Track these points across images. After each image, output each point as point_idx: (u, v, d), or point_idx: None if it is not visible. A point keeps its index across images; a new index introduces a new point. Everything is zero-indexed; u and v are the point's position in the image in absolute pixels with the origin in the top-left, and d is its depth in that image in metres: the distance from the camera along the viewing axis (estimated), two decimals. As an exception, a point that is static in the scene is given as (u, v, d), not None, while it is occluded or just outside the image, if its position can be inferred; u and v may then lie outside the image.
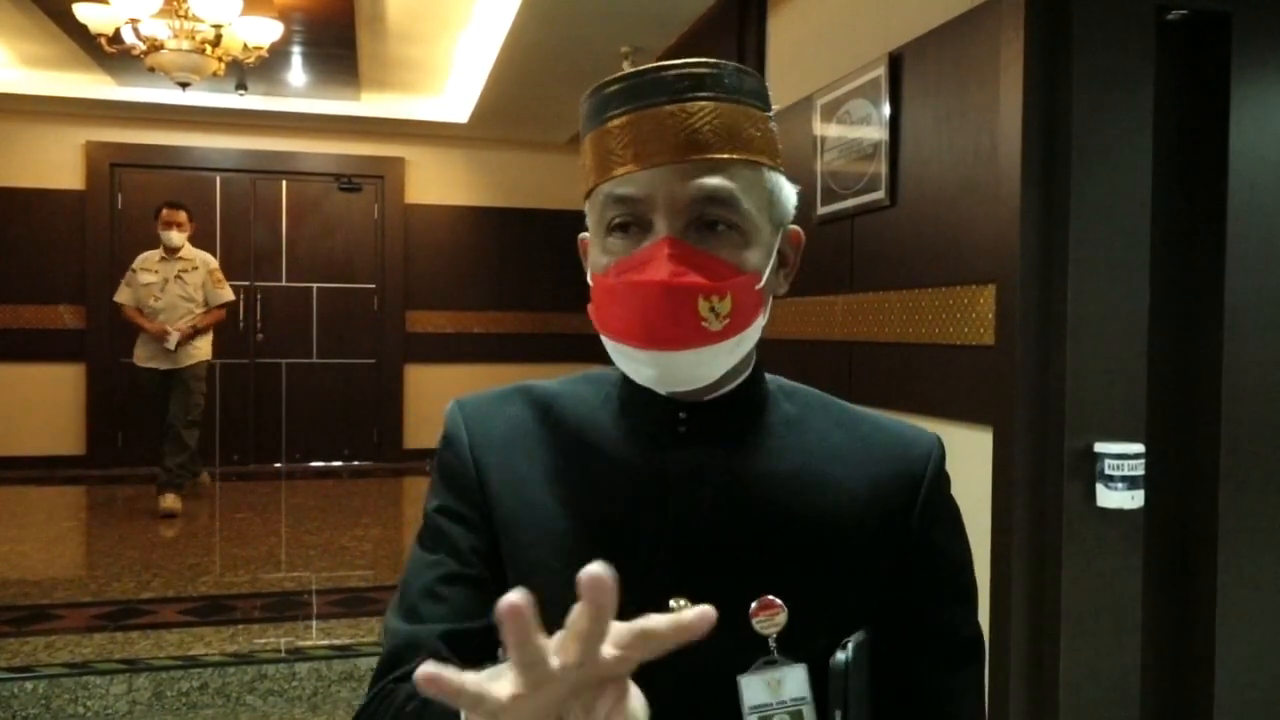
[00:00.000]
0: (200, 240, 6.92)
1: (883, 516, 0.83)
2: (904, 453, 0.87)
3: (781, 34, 3.66)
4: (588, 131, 0.80)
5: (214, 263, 5.44)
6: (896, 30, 2.80)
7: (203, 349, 5.37)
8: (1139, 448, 2.14)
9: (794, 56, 3.54)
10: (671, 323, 0.74)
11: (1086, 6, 2.15)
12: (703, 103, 0.76)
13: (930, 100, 2.63)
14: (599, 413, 0.87)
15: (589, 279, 0.83)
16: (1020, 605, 2.24)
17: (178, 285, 5.25)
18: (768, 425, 0.85)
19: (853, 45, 3.07)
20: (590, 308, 0.81)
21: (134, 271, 5.30)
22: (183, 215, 5.26)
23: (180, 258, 5.29)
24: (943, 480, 0.88)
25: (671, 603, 0.78)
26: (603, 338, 0.80)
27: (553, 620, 0.80)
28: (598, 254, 0.80)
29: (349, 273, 6.87)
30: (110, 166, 6.44)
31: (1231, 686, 2.35)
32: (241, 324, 6.67)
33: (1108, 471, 2.12)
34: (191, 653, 2.97)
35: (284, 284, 6.77)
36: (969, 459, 2.45)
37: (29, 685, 2.76)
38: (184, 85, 4.21)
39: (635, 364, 0.78)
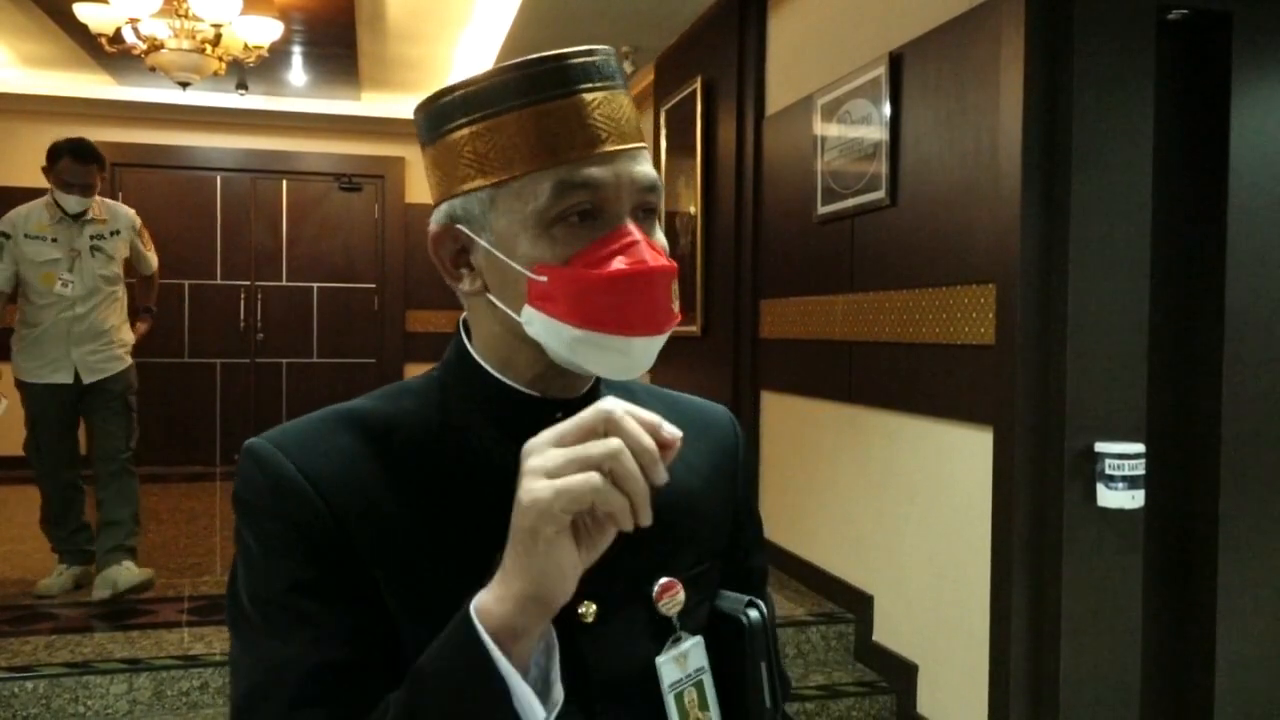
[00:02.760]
0: (201, 240, 6.98)
1: (720, 484, 0.92)
2: (716, 424, 0.96)
3: (781, 34, 3.66)
4: (492, 115, 0.74)
5: (137, 218, 3.76)
6: (897, 30, 2.80)
7: (129, 342, 3.70)
8: (1139, 448, 2.14)
9: (794, 56, 3.54)
10: (661, 307, 0.75)
11: (1087, 6, 2.15)
12: (619, 92, 0.77)
13: (930, 100, 2.63)
14: (447, 426, 0.81)
15: (469, 275, 0.79)
16: (1020, 605, 2.24)
17: (96, 260, 3.53)
18: None
19: (853, 45, 3.07)
20: (540, 304, 0.74)
21: (8, 239, 3.45)
22: (95, 170, 3.51)
23: (91, 219, 3.54)
24: (744, 441, 0.98)
25: (579, 609, 0.78)
26: (563, 331, 0.74)
27: None
28: (539, 246, 0.74)
29: (349, 272, 6.87)
30: (111, 166, 6.41)
31: (1231, 686, 2.35)
32: (242, 324, 6.67)
33: (1108, 471, 2.12)
34: (192, 652, 2.96)
35: (284, 284, 6.76)
36: (969, 459, 2.45)
37: (29, 685, 2.76)
38: (184, 85, 4.20)
39: (604, 354, 0.74)
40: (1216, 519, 2.34)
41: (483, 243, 0.77)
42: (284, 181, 6.75)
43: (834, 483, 3.20)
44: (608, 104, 0.75)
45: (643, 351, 0.75)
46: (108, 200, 3.69)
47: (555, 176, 0.73)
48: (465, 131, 0.76)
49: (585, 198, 0.73)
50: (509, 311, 0.77)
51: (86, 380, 3.52)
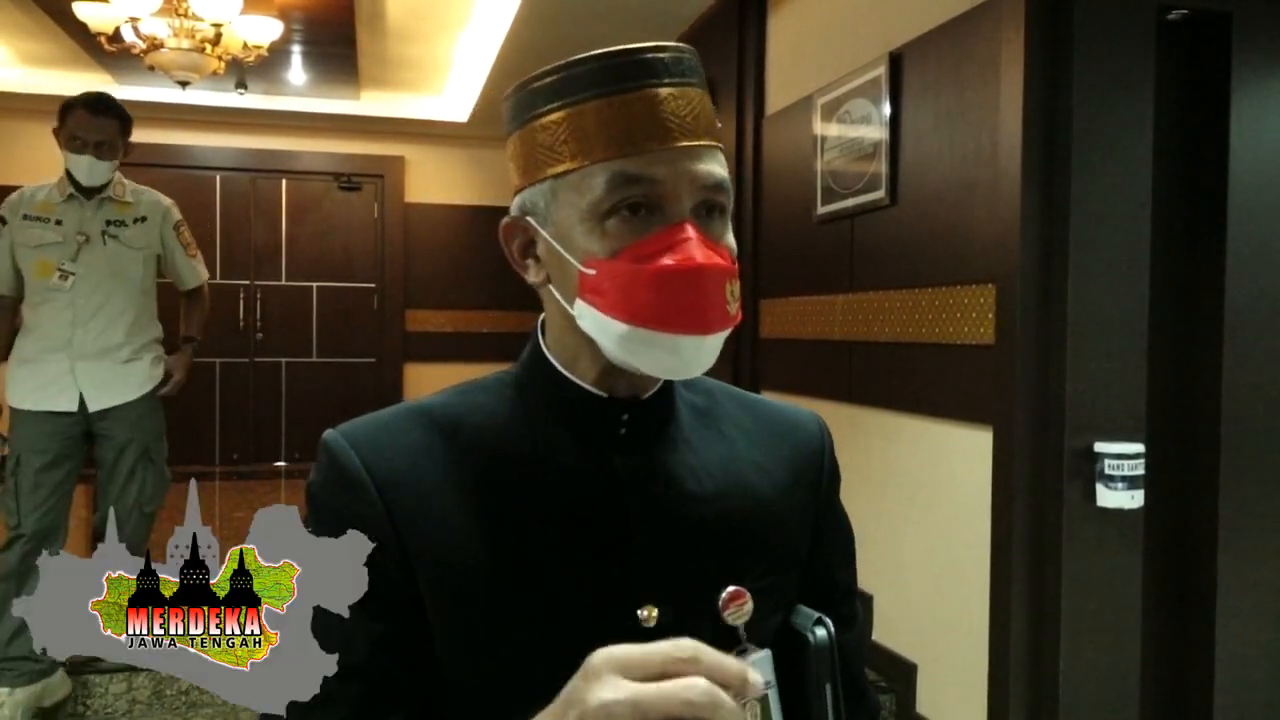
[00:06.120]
0: (200, 240, 6.84)
1: (801, 493, 0.88)
2: (802, 430, 0.91)
3: (781, 33, 3.66)
4: (562, 107, 0.74)
5: (176, 210, 3.00)
6: (897, 30, 2.80)
7: (156, 369, 2.92)
8: (1139, 447, 2.14)
9: (794, 56, 3.54)
10: (712, 306, 0.73)
11: (1087, 6, 2.15)
12: (691, 89, 0.75)
13: (930, 100, 2.62)
14: (515, 423, 0.80)
15: (534, 266, 0.80)
16: (1020, 605, 2.24)
17: (110, 249, 2.80)
18: (683, 417, 0.85)
19: (853, 45, 3.07)
20: (590, 297, 0.74)
21: (3, 224, 2.80)
22: (112, 126, 2.77)
23: (111, 199, 2.83)
24: (834, 450, 0.93)
25: (640, 612, 0.76)
26: (611, 326, 0.73)
27: (504, 660, 0.75)
28: (591, 239, 0.74)
29: (349, 272, 6.86)
30: (110, 165, 6.44)
31: (1231, 686, 2.35)
32: (241, 323, 6.66)
33: (1108, 471, 2.12)
34: (191, 652, 2.96)
35: (284, 283, 6.76)
36: (969, 459, 2.45)
37: (28, 684, 2.76)
38: (184, 84, 4.20)
39: (653, 352, 0.73)
40: (1216, 519, 2.34)
41: (545, 234, 0.77)
42: (283, 181, 6.75)
43: (833, 482, 3.20)
44: (675, 100, 0.74)
45: (693, 351, 0.74)
46: (139, 185, 2.97)
47: (610, 170, 0.72)
48: (539, 122, 0.76)
49: (638, 191, 0.72)
50: (565, 304, 0.77)
51: (94, 407, 2.77)
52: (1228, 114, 2.32)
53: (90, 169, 2.75)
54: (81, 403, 2.77)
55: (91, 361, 2.78)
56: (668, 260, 0.71)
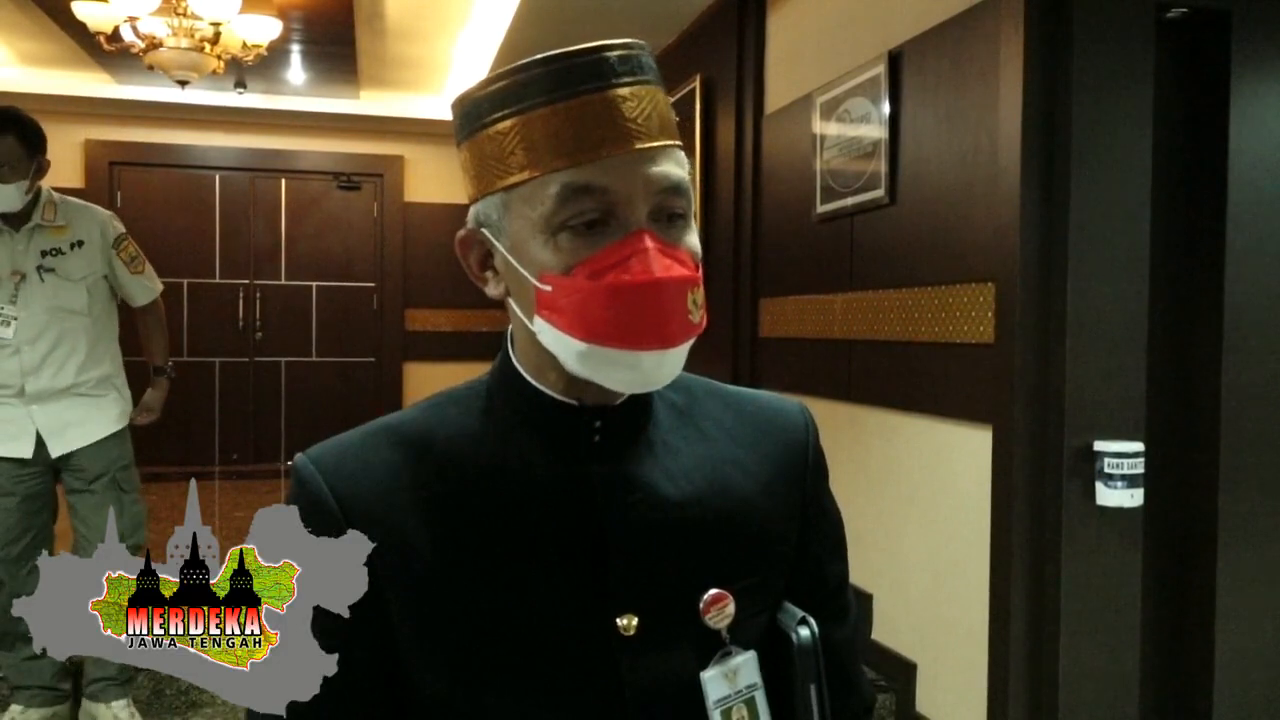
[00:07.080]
0: (199, 239, 6.96)
1: (785, 488, 0.86)
2: (785, 424, 0.89)
3: (781, 33, 3.66)
4: (508, 116, 0.72)
5: (116, 223, 2.71)
6: (896, 28, 2.80)
7: (118, 392, 2.72)
8: (1138, 446, 2.15)
9: (793, 55, 3.54)
10: (671, 319, 0.70)
11: (1086, 5, 2.15)
12: (643, 87, 0.72)
13: (930, 99, 2.62)
14: (486, 435, 0.79)
15: (494, 278, 0.78)
16: (1020, 604, 2.24)
17: (49, 285, 2.55)
18: (662, 418, 0.83)
19: (852, 43, 3.07)
20: (546, 314, 0.73)
21: None
22: (8, 143, 2.42)
23: (42, 225, 2.55)
24: (818, 441, 0.91)
25: (619, 620, 0.75)
26: (569, 344, 0.72)
27: (486, 678, 0.74)
28: (545, 254, 0.72)
29: (348, 271, 6.86)
30: (109, 165, 6.43)
31: (1231, 686, 2.35)
32: (241, 323, 6.66)
33: (1107, 470, 2.12)
34: (191, 651, 2.96)
35: (283, 282, 6.75)
36: (969, 458, 2.45)
37: (28, 684, 2.75)
38: (183, 83, 4.19)
39: (613, 368, 0.72)
40: (1216, 517, 2.34)
41: (500, 247, 0.75)
42: (283, 180, 6.75)
43: (833, 481, 3.19)
44: (627, 101, 0.71)
45: (655, 366, 0.72)
46: (72, 200, 2.67)
47: (560, 181, 0.70)
48: (487, 132, 0.73)
49: (591, 204, 0.70)
50: (525, 320, 0.76)
51: (56, 452, 2.56)
52: (1227, 113, 2.32)
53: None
54: (39, 448, 2.57)
55: (50, 402, 2.58)
56: (623, 275, 0.69)
